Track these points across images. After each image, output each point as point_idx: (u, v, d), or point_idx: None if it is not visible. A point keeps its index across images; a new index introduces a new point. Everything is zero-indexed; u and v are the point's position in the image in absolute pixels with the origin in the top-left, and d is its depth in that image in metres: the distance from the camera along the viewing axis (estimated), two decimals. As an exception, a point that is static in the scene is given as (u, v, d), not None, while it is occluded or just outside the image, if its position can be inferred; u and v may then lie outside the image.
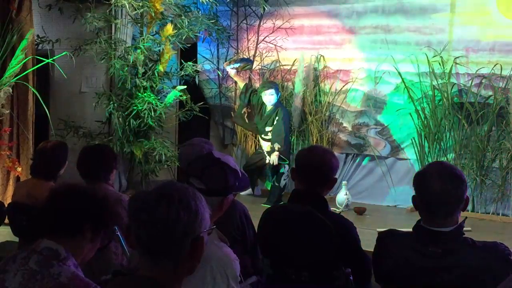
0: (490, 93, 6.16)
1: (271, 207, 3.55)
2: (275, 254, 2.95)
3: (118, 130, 6.33)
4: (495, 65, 6.09)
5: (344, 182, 6.37)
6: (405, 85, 6.53)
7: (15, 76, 5.71)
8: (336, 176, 2.98)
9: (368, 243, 2.93)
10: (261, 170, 6.81)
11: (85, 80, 6.78)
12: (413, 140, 6.54)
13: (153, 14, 6.22)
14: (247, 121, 6.89)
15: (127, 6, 6.06)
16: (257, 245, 3.21)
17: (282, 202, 5.89)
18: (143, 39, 6.21)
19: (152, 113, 6.17)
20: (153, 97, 6.21)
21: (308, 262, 2.83)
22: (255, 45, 7.43)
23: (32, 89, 5.91)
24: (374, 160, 6.83)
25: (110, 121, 6.52)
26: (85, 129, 6.49)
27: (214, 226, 2.02)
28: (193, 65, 6.54)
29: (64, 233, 2.03)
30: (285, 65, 7.30)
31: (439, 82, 6.38)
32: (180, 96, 6.38)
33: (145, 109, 6.14)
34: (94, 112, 6.49)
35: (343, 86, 6.95)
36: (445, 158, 6.30)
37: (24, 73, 5.79)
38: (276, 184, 6.47)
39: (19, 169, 5.71)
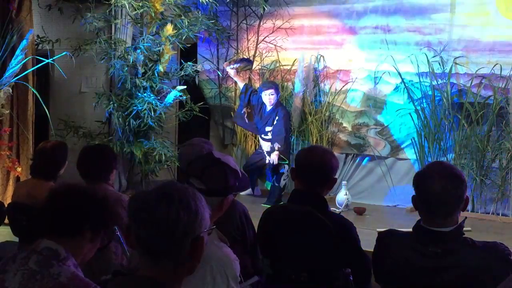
0: (490, 93, 6.16)
1: (271, 207, 3.55)
2: (275, 254, 2.95)
3: (118, 130, 6.34)
4: (494, 65, 6.09)
5: (344, 182, 6.37)
6: (405, 85, 6.53)
7: (15, 76, 5.71)
8: (336, 176, 2.98)
9: (368, 243, 2.94)
10: (261, 170, 6.81)
11: (85, 80, 6.78)
12: (413, 140, 6.54)
13: (153, 14, 6.23)
14: (247, 121, 6.89)
15: (127, 6, 6.07)
16: (257, 245, 3.21)
17: (282, 202, 5.89)
18: (143, 39, 6.21)
19: (152, 113, 6.17)
20: (153, 97, 6.21)
21: (308, 262, 2.83)
22: (255, 45, 7.42)
23: (32, 89, 5.92)
24: (374, 160, 6.83)
25: (110, 121, 6.53)
26: (85, 129, 6.49)
27: (214, 226, 2.03)
28: (193, 65, 6.54)
29: (64, 233, 2.03)
30: (285, 65, 7.30)
31: (439, 82, 6.38)
32: (180, 96, 6.38)
33: (145, 109, 6.14)
34: (94, 112, 6.50)
35: (343, 86, 6.95)
36: (445, 158, 6.30)
37: (24, 73, 5.80)
38: (276, 184, 6.47)
39: (19, 169, 5.72)
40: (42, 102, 5.75)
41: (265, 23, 7.35)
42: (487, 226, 5.67)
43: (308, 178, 2.88)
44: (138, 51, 6.20)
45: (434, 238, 2.30)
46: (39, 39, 6.40)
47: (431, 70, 6.37)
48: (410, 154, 6.63)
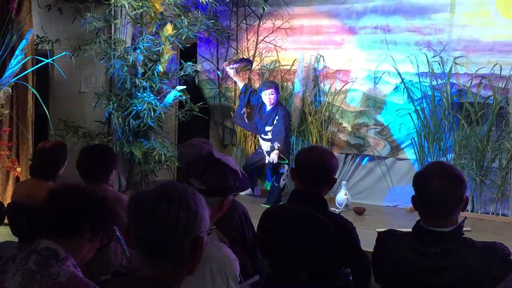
0: (490, 93, 6.16)
1: (270, 207, 3.54)
2: (274, 254, 2.95)
3: (118, 130, 6.34)
4: (494, 65, 6.09)
5: (343, 182, 6.37)
6: (404, 85, 6.53)
7: (15, 76, 5.71)
8: (336, 176, 2.98)
9: (367, 243, 2.93)
10: (260, 170, 6.81)
11: (85, 80, 6.78)
12: (412, 140, 6.54)
13: (152, 14, 6.23)
14: (246, 121, 6.89)
15: (127, 6, 6.07)
16: (257, 245, 3.21)
17: (281, 202, 5.89)
18: (143, 39, 6.21)
19: (152, 113, 6.17)
20: (152, 97, 6.21)
21: (308, 262, 2.83)
22: (254, 45, 7.43)
23: (32, 89, 5.92)
24: (374, 160, 6.83)
25: (110, 121, 6.53)
26: (84, 129, 6.49)
27: (214, 227, 2.03)
28: (193, 65, 6.54)
29: (63, 233, 2.03)
30: (284, 65, 7.30)
31: (438, 82, 6.38)
32: (180, 96, 6.38)
33: (145, 109, 6.14)
34: (93, 112, 6.50)
35: (343, 86, 6.95)
36: (445, 158, 6.30)
37: (24, 73, 5.79)
38: (276, 184, 6.47)
39: (19, 169, 5.72)
40: (41, 102, 5.75)
41: (264, 23, 7.35)
42: (487, 226, 5.67)
43: (308, 178, 2.88)
44: (138, 51, 6.20)
45: (434, 238, 2.30)
46: (38, 39, 6.40)
47: (431, 70, 6.37)
48: (410, 154, 6.63)
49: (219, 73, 7.52)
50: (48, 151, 3.77)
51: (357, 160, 6.99)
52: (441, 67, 6.35)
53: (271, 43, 7.30)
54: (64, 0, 6.56)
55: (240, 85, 6.95)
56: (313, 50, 7.09)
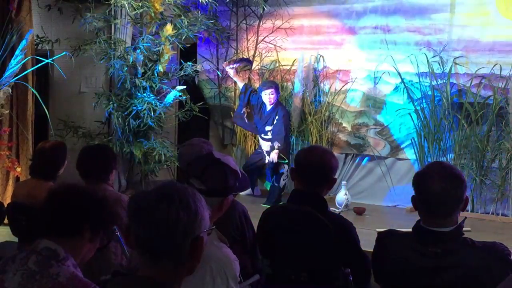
0: (490, 93, 6.16)
1: (270, 207, 3.54)
2: (274, 254, 2.95)
3: (118, 130, 6.34)
4: (494, 65, 6.09)
5: (343, 182, 6.37)
6: (404, 85, 6.53)
7: (15, 76, 5.71)
8: (336, 176, 2.98)
9: (367, 243, 2.93)
10: (260, 170, 6.81)
11: (85, 80, 6.78)
12: (412, 140, 6.54)
13: (152, 14, 6.23)
14: (246, 121, 6.89)
15: (127, 6, 6.07)
16: (257, 245, 3.21)
17: (281, 202, 5.89)
18: (143, 39, 6.21)
19: (152, 113, 6.17)
20: (152, 97, 6.21)
21: (308, 262, 2.83)
22: (254, 45, 7.43)
23: (32, 89, 5.92)
24: (374, 160, 6.83)
25: (110, 121, 6.53)
26: (84, 129, 6.49)
27: (214, 227, 2.03)
28: (193, 65, 6.54)
29: (63, 233, 2.02)
30: (284, 65, 7.30)
31: (438, 82, 6.38)
32: (180, 96, 6.38)
33: (145, 109, 6.14)
34: (93, 112, 6.50)
35: (343, 86, 6.95)
36: (445, 158, 6.30)
37: (24, 73, 5.79)
38: (276, 184, 6.47)
39: (19, 169, 5.71)
40: (41, 102, 5.75)
41: (264, 23, 7.35)
42: (487, 226, 5.67)
43: (308, 178, 2.88)
44: (138, 51, 6.20)
45: (433, 238, 2.30)
46: (38, 39, 6.40)
47: (430, 70, 6.37)
48: (409, 154, 6.63)
49: (219, 73, 7.52)
50: (48, 151, 3.77)
51: (357, 160, 6.99)
52: (441, 67, 6.35)
53: (271, 43, 7.30)
54: (64, 0, 6.56)
55: (240, 85, 6.95)
56: (313, 50, 7.09)
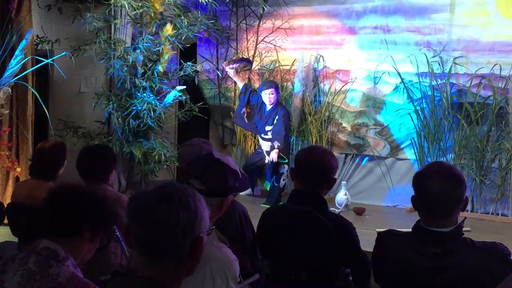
0: (490, 93, 6.16)
1: (270, 207, 3.55)
2: (274, 254, 2.95)
3: (118, 130, 6.34)
4: (494, 65, 6.09)
5: (343, 182, 6.37)
6: (404, 85, 6.53)
7: (15, 76, 5.71)
8: (336, 176, 2.98)
9: (367, 243, 2.93)
10: (260, 170, 6.81)
11: (85, 80, 6.78)
12: (412, 140, 6.54)
13: (152, 15, 6.23)
14: (246, 121, 6.89)
15: (127, 6, 6.07)
16: (256, 245, 3.21)
17: (281, 202, 5.89)
18: (143, 39, 6.21)
19: (152, 113, 6.17)
20: (152, 97, 6.21)
21: (308, 262, 2.83)
22: (254, 45, 7.43)
23: (32, 89, 5.92)
24: (374, 160, 6.83)
25: (110, 121, 6.53)
26: (84, 129, 6.49)
27: (214, 227, 2.03)
28: (193, 65, 6.54)
29: (63, 233, 2.02)
30: (284, 65, 7.30)
31: (438, 82, 6.38)
32: (180, 96, 6.38)
33: (145, 109, 6.14)
34: (93, 112, 6.50)
35: (343, 86, 6.95)
36: (445, 159, 6.30)
37: (24, 73, 5.79)
38: (276, 184, 6.47)
39: (19, 169, 5.72)
40: (41, 102, 5.75)
41: (264, 23, 7.35)
42: (487, 226, 5.67)
43: (308, 178, 2.88)
44: (138, 51, 6.20)
45: (433, 238, 2.30)
46: (38, 39, 6.40)
47: (430, 70, 6.37)
48: (409, 154, 6.64)
49: (219, 73, 7.52)
50: (47, 151, 3.77)
51: (357, 160, 6.99)
52: (441, 67, 6.35)
53: (271, 43, 7.30)
54: (64, 0, 6.56)
55: (240, 85, 6.95)
56: (313, 50, 7.09)
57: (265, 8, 7.14)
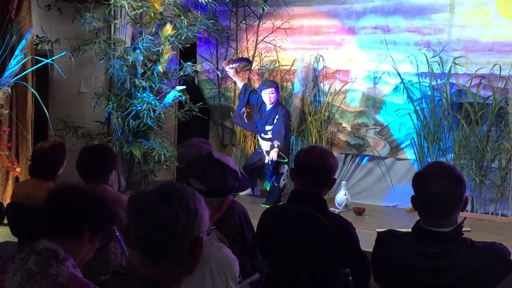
0: (489, 93, 6.16)
1: (270, 207, 3.54)
2: (274, 254, 2.95)
3: (117, 130, 6.34)
4: (494, 65, 6.09)
5: (343, 183, 6.37)
6: (404, 85, 6.53)
7: (14, 76, 5.71)
8: (335, 177, 2.98)
9: (367, 243, 2.93)
10: (260, 170, 6.81)
11: (84, 80, 6.78)
12: (412, 140, 6.54)
13: (152, 15, 6.23)
14: (246, 121, 6.89)
15: (126, 7, 6.07)
16: (256, 245, 3.21)
17: (281, 202, 5.89)
18: (142, 39, 6.22)
19: (151, 113, 6.17)
20: (152, 97, 6.21)
21: (308, 262, 2.83)
22: (254, 45, 7.43)
23: (31, 89, 5.92)
24: (374, 160, 6.83)
25: (109, 121, 6.53)
26: (84, 129, 6.49)
27: (213, 227, 2.03)
28: (192, 65, 6.54)
29: (63, 233, 2.02)
30: (284, 65, 7.30)
31: (438, 82, 6.38)
32: (179, 96, 6.38)
33: (144, 109, 6.14)
34: (93, 112, 6.50)
35: (342, 86, 6.95)
36: (444, 159, 6.30)
37: (23, 73, 5.79)
38: (275, 184, 6.47)
39: (18, 169, 5.72)
40: (41, 102, 5.75)
41: (264, 23, 7.35)
42: (487, 226, 5.67)
43: (308, 178, 2.88)
44: (138, 51, 6.20)
45: (433, 239, 2.30)
46: (38, 39, 6.40)
47: (430, 70, 6.37)
48: (409, 154, 6.64)
49: (218, 73, 7.52)
50: (47, 151, 3.77)
51: (356, 160, 6.99)
52: (441, 67, 6.36)
53: (271, 43, 7.30)
54: (64, 0, 6.56)
55: (240, 85, 6.95)
56: (313, 50, 7.09)
57: (265, 8, 7.14)
